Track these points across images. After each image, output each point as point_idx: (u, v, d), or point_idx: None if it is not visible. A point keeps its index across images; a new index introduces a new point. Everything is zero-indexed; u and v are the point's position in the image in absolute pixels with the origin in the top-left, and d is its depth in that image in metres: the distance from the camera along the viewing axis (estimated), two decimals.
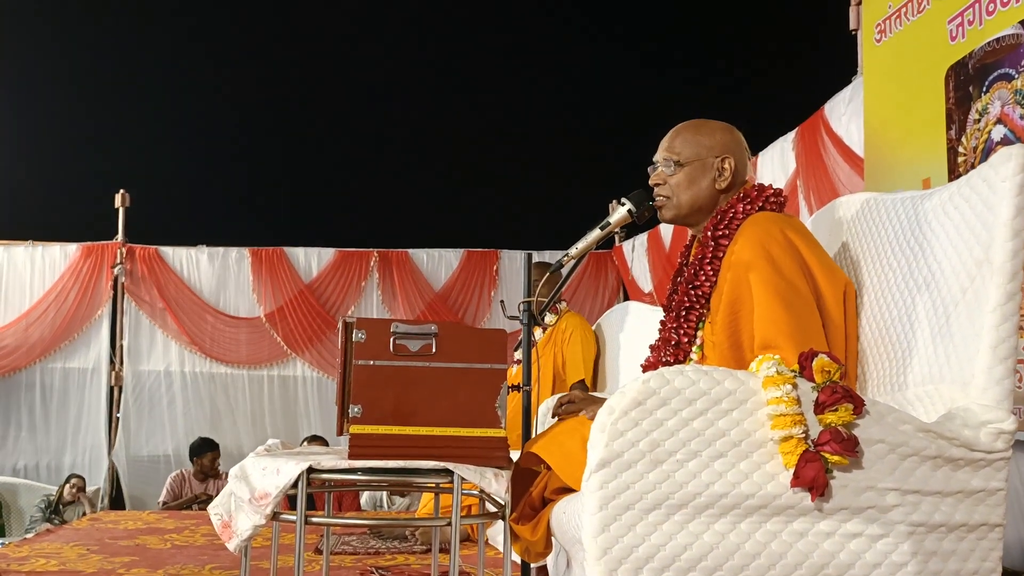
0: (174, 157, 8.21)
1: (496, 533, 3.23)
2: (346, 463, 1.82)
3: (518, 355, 3.30)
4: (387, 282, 7.37)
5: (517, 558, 2.08)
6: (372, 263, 7.37)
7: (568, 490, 1.76)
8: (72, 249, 7.18)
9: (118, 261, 7.13)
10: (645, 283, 6.75)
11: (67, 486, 6.36)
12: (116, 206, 7.21)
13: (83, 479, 6.51)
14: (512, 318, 2.33)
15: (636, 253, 7.06)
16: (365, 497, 6.28)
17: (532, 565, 2.13)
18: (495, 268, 7.45)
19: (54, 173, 8.08)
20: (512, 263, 7.45)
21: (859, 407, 1.42)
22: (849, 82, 4.10)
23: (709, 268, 1.85)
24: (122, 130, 8.26)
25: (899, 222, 1.76)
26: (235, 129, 8.26)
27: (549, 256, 6.12)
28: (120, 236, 7.20)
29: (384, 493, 6.11)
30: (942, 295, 1.60)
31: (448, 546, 3.38)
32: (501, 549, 3.27)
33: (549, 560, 2.08)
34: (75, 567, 3.26)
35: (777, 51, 7.30)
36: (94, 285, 7.12)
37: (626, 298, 7.15)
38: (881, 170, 3.53)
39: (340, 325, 1.96)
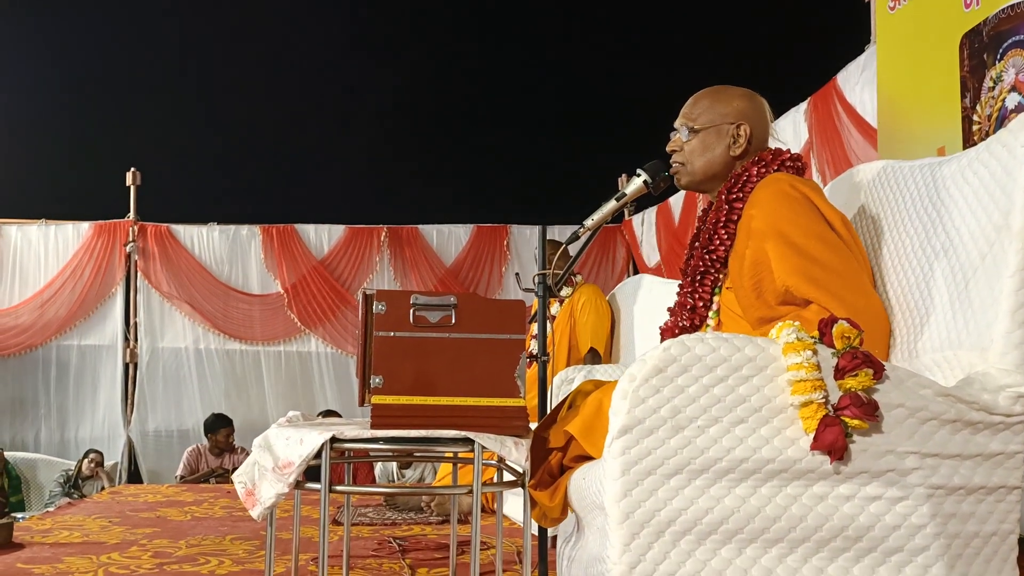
0: (185, 135, 8.21)
1: (511, 507, 3.26)
2: (369, 433, 1.85)
3: (533, 328, 3.32)
4: (398, 258, 7.40)
5: (534, 528, 2.10)
6: (382, 239, 7.39)
7: (587, 458, 1.78)
8: (85, 228, 7.23)
9: (130, 239, 7.16)
10: (654, 256, 6.76)
11: (85, 461, 6.44)
12: (127, 184, 7.24)
13: (101, 454, 6.59)
14: (527, 290, 2.34)
15: (645, 227, 7.06)
16: (379, 471, 6.34)
17: (548, 531, 2.16)
18: (505, 243, 7.46)
19: (66, 152, 8.11)
20: (522, 238, 7.45)
21: (879, 372, 1.43)
22: (862, 51, 4.07)
23: (723, 232, 1.87)
24: (133, 108, 8.26)
25: (916, 189, 1.76)
26: (245, 107, 8.26)
27: (559, 231, 6.12)
28: (132, 214, 7.23)
29: (394, 466, 6.17)
30: (960, 261, 1.60)
31: (464, 517, 3.43)
32: (515, 521, 3.31)
33: (559, 527, 2.10)
34: (98, 538, 3.32)
35: (789, 20, 7.23)
36: (107, 263, 7.17)
37: (636, 271, 7.16)
38: (895, 139, 3.51)
39: (360, 297, 1.98)
